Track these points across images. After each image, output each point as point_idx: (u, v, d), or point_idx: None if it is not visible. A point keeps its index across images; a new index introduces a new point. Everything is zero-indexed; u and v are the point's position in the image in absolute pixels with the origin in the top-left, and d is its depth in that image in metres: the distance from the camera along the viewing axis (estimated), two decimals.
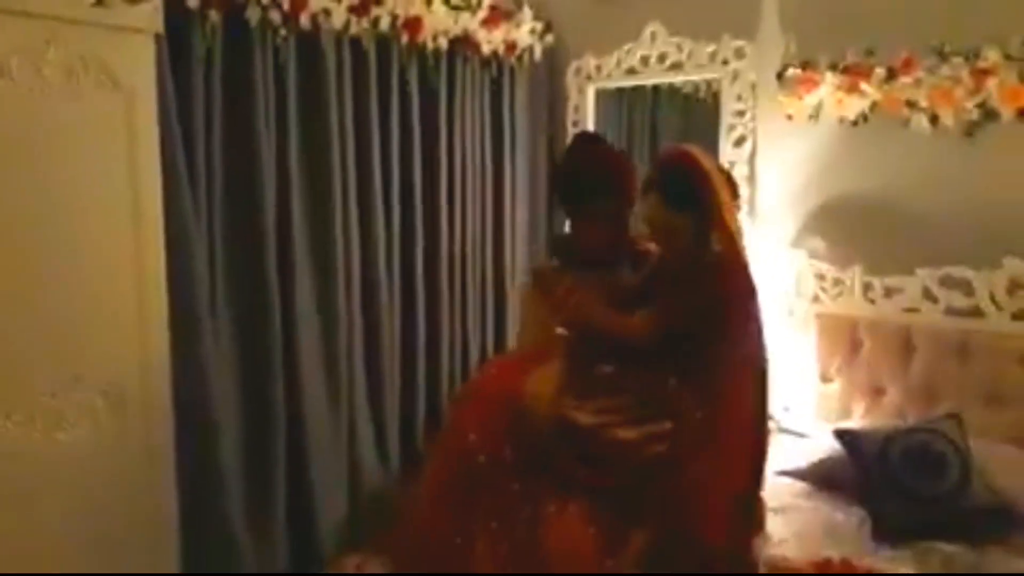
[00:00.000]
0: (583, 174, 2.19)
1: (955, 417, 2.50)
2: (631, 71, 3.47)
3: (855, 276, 2.98)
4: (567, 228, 2.46)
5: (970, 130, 2.76)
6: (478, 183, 3.23)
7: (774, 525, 2.31)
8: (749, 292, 2.03)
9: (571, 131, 3.54)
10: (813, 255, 3.11)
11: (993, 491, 2.33)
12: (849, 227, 3.06)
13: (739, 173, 3.23)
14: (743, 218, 3.23)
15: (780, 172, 3.21)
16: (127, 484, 1.80)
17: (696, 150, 2.15)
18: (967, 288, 2.76)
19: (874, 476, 2.40)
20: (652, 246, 2.22)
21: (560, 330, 2.26)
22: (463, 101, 3.17)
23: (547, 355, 2.19)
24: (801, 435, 2.96)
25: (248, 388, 2.45)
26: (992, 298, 2.71)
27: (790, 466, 2.67)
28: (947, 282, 2.80)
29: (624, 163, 2.24)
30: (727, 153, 3.22)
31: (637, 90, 3.67)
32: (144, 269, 1.82)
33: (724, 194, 2.07)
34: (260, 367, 2.45)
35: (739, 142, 3.24)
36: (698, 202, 2.05)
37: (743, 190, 3.25)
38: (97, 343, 1.77)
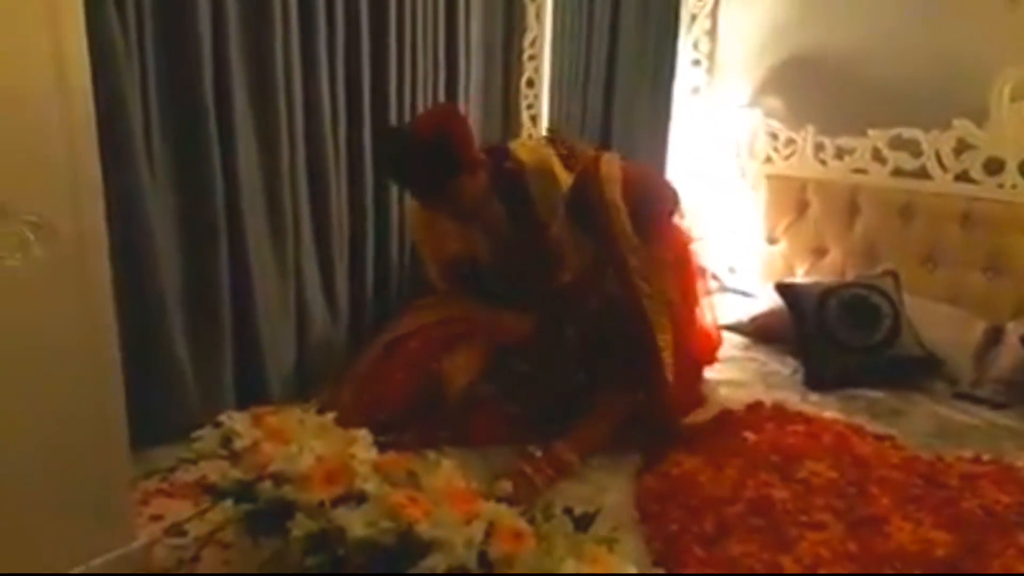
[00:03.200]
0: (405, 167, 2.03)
1: (892, 274, 2.57)
2: None
3: (808, 136, 2.97)
4: None
5: None
6: (429, 22, 3.04)
7: (711, 373, 2.40)
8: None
9: None
10: (769, 114, 3.08)
11: (920, 343, 2.44)
12: (806, 87, 3.02)
13: (700, 27, 3.14)
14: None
15: (741, 27, 3.12)
16: (64, 319, 1.73)
17: (606, 160, 1.97)
18: (915, 149, 2.78)
19: (810, 327, 2.49)
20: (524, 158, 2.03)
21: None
22: None
23: (470, 331, 2.15)
24: (746, 294, 3.03)
25: (186, 227, 2.38)
26: (939, 159, 2.74)
27: (731, 322, 2.75)
28: (896, 143, 2.82)
29: (440, 134, 1.92)
30: (689, 4, 3.11)
31: None
32: (69, 93, 1.69)
33: (623, 224, 1.90)
34: (199, 205, 2.37)
35: None
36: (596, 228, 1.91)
37: (703, 45, 3.18)
38: (22, 173, 1.67)
